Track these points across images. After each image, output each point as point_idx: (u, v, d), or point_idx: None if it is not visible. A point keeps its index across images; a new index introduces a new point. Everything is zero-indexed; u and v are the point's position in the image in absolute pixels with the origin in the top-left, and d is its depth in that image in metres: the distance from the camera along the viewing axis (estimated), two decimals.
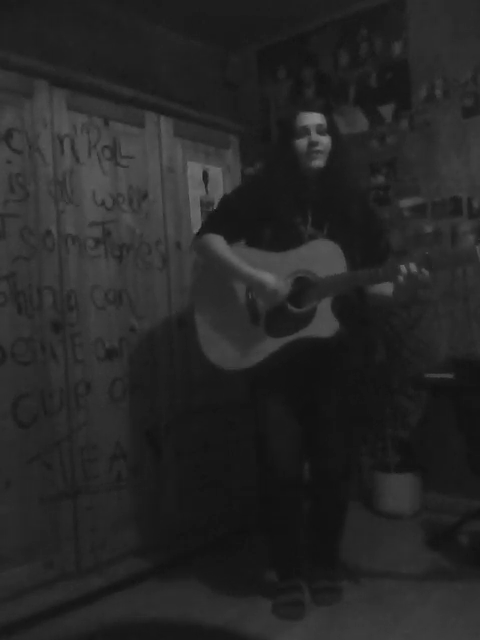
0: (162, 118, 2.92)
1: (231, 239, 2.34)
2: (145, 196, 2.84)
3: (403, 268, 2.06)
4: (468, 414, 2.75)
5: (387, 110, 3.60)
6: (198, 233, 2.41)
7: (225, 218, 2.37)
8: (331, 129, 2.28)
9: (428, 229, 3.45)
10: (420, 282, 2.06)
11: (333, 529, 2.49)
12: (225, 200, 2.49)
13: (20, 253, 2.39)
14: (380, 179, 3.62)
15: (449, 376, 2.89)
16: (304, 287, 2.22)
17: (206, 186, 3.11)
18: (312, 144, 2.23)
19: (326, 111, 2.30)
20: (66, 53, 3.16)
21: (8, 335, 2.34)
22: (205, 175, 3.12)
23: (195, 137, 3.08)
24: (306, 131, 2.24)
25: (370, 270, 2.17)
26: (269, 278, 2.20)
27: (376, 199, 3.61)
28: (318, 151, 2.24)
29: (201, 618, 2.37)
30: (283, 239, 2.27)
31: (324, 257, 2.20)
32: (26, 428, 2.38)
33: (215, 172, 3.17)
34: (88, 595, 2.50)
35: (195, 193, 3.05)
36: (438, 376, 3.14)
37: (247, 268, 2.25)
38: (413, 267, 2.05)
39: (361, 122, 3.70)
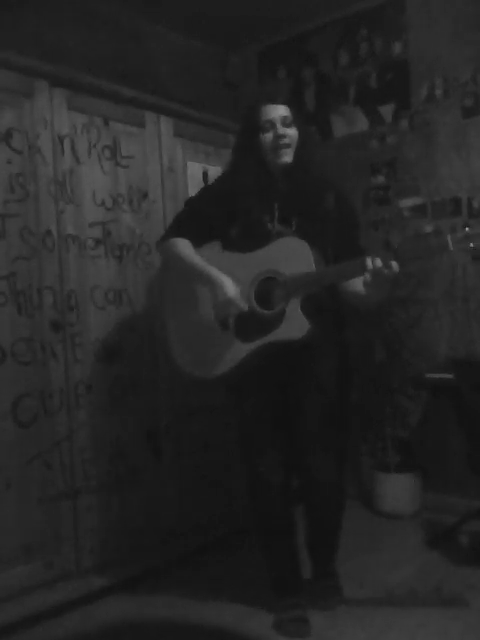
0: (162, 118, 2.92)
1: (197, 242, 2.27)
2: (145, 196, 2.84)
3: (369, 262, 1.96)
4: (468, 414, 2.76)
5: (387, 110, 3.60)
6: (163, 236, 2.34)
7: (190, 220, 2.30)
8: (297, 121, 2.20)
9: (428, 229, 3.45)
10: (388, 277, 1.96)
11: (330, 530, 2.42)
12: (190, 202, 2.41)
13: (20, 253, 2.39)
14: (380, 179, 3.62)
15: (449, 376, 2.89)
16: (272, 287, 2.14)
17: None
18: (278, 137, 2.15)
19: (290, 103, 2.21)
20: (66, 53, 3.16)
21: (8, 335, 2.34)
22: (205, 175, 3.12)
23: (195, 137, 3.08)
24: (271, 124, 2.17)
25: (336, 266, 2.10)
26: (229, 285, 2.12)
27: (376, 199, 3.61)
28: (285, 144, 2.15)
29: (201, 618, 2.37)
30: (250, 238, 2.19)
31: (291, 255, 2.11)
32: (26, 428, 2.38)
33: (215, 172, 3.15)
34: (88, 595, 2.49)
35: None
36: (438, 376, 3.14)
37: (210, 271, 2.16)
38: (378, 262, 1.95)
39: (361, 122, 3.70)
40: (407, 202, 3.53)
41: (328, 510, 2.39)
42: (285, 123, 2.17)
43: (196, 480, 2.94)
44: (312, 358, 2.23)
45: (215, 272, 2.16)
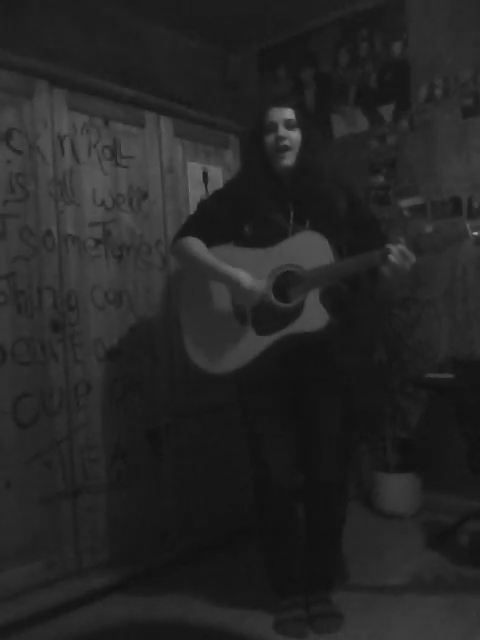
0: (162, 118, 2.92)
1: (210, 242, 2.28)
2: (145, 196, 2.84)
3: (391, 256, 2.00)
4: (468, 414, 2.76)
5: (387, 110, 3.60)
6: (175, 237, 2.36)
7: (203, 221, 2.31)
8: (301, 124, 2.21)
9: (428, 229, 3.45)
10: (407, 268, 2.00)
11: (330, 532, 2.37)
12: (203, 203, 2.43)
13: (20, 253, 2.39)
14: (380, 179, 3.62)
15: (449, 376, 2.89)
16: (291, 281, 2.15)
17: (206, 186, 3.11)
18: (279, 139, 2.18)
19: (297, 106, 2.24)
20: (66, 53, 3.17)
21: (8, 335, 2.34)
22: (205, 175, 3.12)
23: (195, 137, 3.08)
24: (274, 127, 2.19)
25: (355, 257, 2.10)
26: (244, 276, 2.14)
27: (376, 199, 3.61)
28: (285, 147, 2.18)
29: (201, 618, 2.37)
30: (266, 236, 2.20)
31: (309, 248, 2.12)
32: (26, 428, 2.38)
33: (215, 172, 3.17)
34: (88, 595, 2.49)
35: (195, 193, 3.05)
36: (438, 376, 3.14)
37: (223, 267, 2.19)
38: (399, 255, 1.99)
39: (361, 122, 3.70)
40: (407, 202, 3.53)
41: (330, 512, 2.36)
42: (288, 126, 2.19)
43: (196, 480, 2.93)
44: (328, 356, 2.23)
45: (228, 267, 2.18)
